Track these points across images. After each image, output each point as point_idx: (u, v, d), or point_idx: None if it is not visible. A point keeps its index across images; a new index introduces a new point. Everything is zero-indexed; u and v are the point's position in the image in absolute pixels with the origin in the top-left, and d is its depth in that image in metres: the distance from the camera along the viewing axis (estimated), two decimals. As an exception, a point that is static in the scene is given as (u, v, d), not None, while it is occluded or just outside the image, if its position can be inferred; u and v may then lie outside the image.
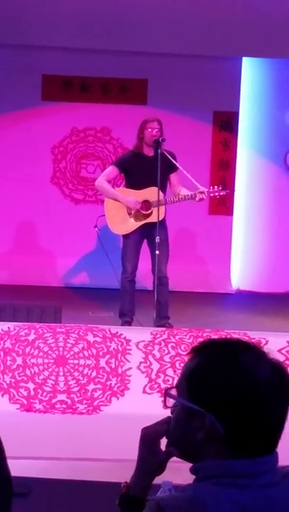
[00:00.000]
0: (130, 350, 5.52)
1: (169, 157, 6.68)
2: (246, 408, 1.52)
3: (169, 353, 5.47)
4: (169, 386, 1.70)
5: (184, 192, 6.78)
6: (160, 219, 6.59)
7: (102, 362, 5.46)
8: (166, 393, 1.67)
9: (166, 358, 5.45)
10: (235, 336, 5.23)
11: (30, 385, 5.36)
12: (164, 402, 1.68)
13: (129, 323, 6.74)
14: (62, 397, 5.34)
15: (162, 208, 6.66)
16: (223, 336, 5.19)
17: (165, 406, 1.69)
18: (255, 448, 1.53)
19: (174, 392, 1.64)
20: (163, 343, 5.55)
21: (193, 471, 1.59)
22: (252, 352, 1.58)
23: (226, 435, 1.53)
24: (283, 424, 1.58)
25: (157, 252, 6.59)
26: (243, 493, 1.48)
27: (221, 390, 1.53)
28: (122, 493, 1.80)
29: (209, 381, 1.54)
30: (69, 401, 5.32)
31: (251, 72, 9.64)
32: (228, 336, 5.09)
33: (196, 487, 1.52)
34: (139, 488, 1.78)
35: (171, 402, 1.66)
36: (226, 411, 1.52)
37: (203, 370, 1.56)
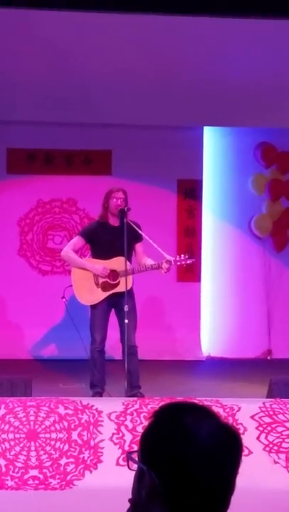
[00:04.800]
0: (102, 421, 5.45)
1: (135, 227, 6.72)
2: (184, 468, 1.51)
3: (141, 423, 5.41)
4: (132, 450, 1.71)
5: (150, 262, 6.81)
6: (128, 288, 6.60)
7: (74, 435, 5.38)
8: (127, 456, 1.70)
9: (139, 429, 5.38)
10: (207, 403, 5.20)
11: (2, 462, 5.26)
12: (128, 464, 1.69)
13: (100, 394, 6.68)
14: (34, 472, 5.23)
15: (130, 278, 6.67)
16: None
17: (129, 469, 1.70)
18: (196, 510, 1.52)
19: (134, 455, 1.66)
20: (135, 413, 5.50)
21: None
22: (196, 413, 1.59)
23: (167, 495, 1.53)
24: (228, 488, 1.55)
25: (126, 321, 6.58)
26: None
27: (161, 449, 1.55)
28: None
29: (153, 441, 1.57)
30: (41, 476, 5.22)
31: (213, 140, 9.80)
32: (200, 403, 5.05)
33: None
34: None
35: (135, 466, 1.67)
36: (166, 470, 1.53)
37: (149, 431, 1.60)
